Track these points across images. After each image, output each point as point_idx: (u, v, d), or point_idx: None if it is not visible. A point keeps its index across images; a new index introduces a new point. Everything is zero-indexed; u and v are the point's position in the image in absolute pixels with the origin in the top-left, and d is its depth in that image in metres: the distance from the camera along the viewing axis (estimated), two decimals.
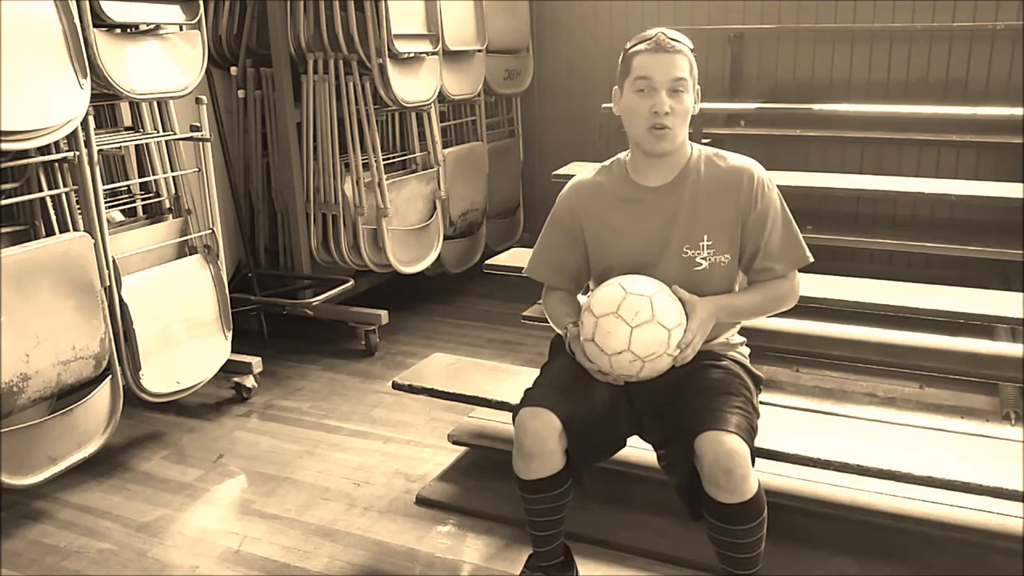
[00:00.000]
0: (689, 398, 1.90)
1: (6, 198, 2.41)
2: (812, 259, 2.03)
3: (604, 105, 3.83)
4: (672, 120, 1.87)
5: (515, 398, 2.31)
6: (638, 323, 1.79)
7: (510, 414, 2.08)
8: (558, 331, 2.09)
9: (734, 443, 1.74)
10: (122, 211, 2.97)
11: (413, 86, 3.70)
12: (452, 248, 4.23)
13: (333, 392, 3.36)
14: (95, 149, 2.55)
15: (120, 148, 3.00)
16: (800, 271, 2.05)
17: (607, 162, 2.08)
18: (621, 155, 2.06)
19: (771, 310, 2.04)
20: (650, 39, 1.88)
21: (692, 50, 1.91)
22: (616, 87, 1.96)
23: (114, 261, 2.62)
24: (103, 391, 2.58)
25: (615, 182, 2.03)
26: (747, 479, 1.74)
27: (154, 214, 3.01)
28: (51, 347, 2.38)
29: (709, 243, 1.94)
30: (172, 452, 2.91)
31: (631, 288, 1.85)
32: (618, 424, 2.00)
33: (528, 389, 1.98)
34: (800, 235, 2.01)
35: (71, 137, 2.45)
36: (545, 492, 1.92)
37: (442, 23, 3.82)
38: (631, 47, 1.92)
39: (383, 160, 3.69)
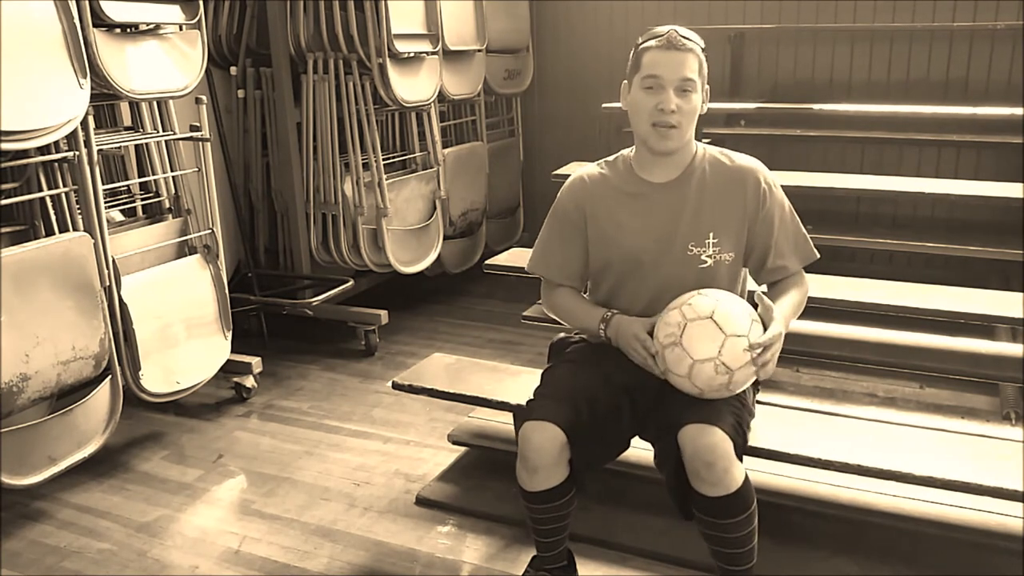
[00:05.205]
0: (678, 393, 1.89)
1: (6, 198, 2.40)
2: (818, 255, 2.04)
3: (604, 105, 3.83)
4: (679, 119, 1.87)
5: (515, 398, 2.31)
6: (732, 333, 1.79)
7: (510, 414, 2.08)
8: (577, 325, 2.08)
9: (714, 436, 1.74)
10: (122, 211, 2.97)
11: (413, 86, 3.70)
12: (452, 248, 4.23)
13: (333, 392, 3.36)
14: (95, 149, 2.54)
15: (120, 148, 3.00)
16: (803, 270, 2.05)
17: (611, 157, 2.07)
18: (626, 151, 2.05)
19: (800, 312, 2.04)
20: (662, 36, 1.88)
21: (704, 49, 1.91)
22: (625, 81, 1.96)
23: (114, 261, 2.62)
24: (103, 391, 2.58)
25: (620, 177, 2.02)
26: (730, 471, 1.74)
27: (154, 214, 3.01)
28: (51, 347, 2.38)
29: (715, 241, 1.94)
30: (172, 452, 2.91)
31: (719, 297, 1.85)
32: (621, 427, 1.99)
33: (530, 400, 1.97)
34: (806, 232, 2.02)
35: (71, 137, 2.45)
36: (550, 502, 1.91)
37: (442, 23, 3.82)
38: (642, 42, 1.92)
39: (383, 160, 3.69)
